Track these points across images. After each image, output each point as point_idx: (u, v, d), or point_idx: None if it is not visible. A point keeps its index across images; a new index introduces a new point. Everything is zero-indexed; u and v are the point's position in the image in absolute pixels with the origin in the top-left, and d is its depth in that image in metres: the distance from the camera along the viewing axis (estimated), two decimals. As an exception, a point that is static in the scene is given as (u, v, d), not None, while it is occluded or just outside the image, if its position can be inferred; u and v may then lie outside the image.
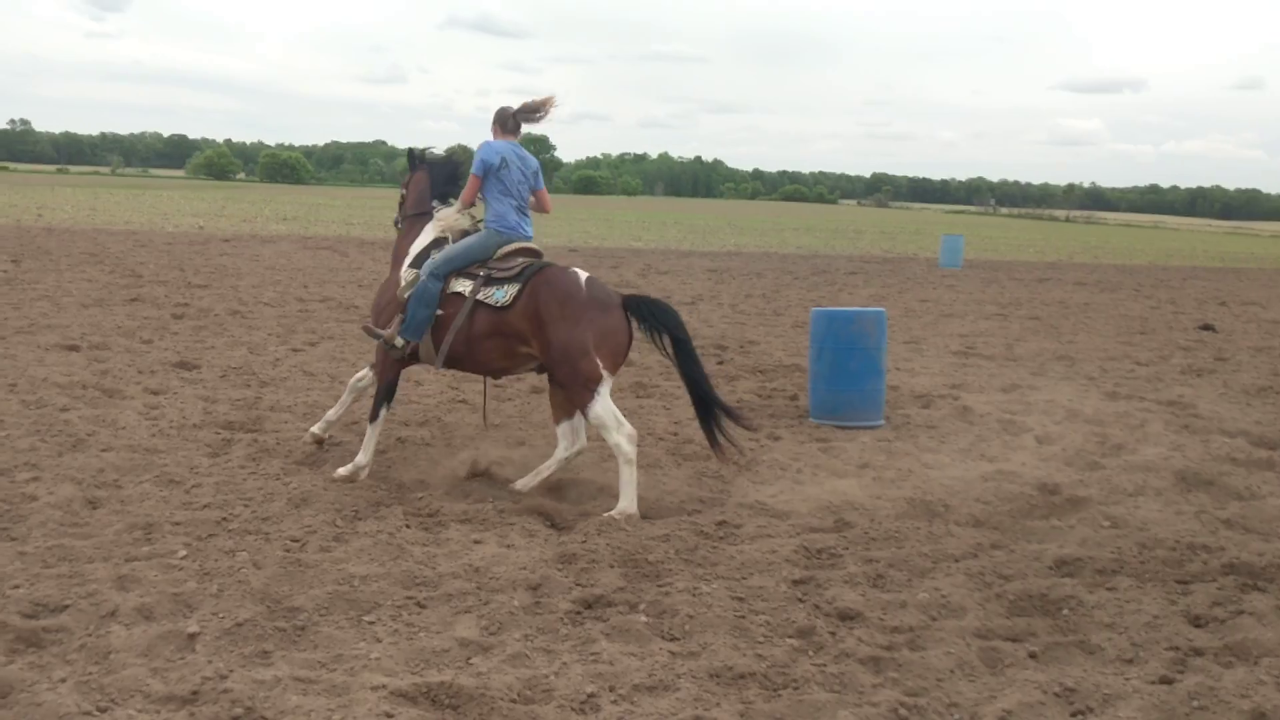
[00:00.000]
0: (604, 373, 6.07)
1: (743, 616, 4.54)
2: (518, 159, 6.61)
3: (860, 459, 7.39)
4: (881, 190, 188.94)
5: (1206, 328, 16.70)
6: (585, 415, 6.15)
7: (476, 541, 5.36)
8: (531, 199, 6.71)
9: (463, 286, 6.30)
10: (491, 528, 5.61)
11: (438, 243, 6.64)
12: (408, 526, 5.56)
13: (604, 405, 6.06)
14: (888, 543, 5.60)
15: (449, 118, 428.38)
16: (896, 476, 6.95)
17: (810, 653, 4.25)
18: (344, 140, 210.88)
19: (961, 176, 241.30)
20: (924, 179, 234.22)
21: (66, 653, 3.98)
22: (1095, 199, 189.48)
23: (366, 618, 4.43)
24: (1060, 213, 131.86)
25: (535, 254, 6.51)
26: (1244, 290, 26.50)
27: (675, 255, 30.00)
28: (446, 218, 6.73)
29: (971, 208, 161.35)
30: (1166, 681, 4.07)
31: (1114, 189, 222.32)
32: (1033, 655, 4.30)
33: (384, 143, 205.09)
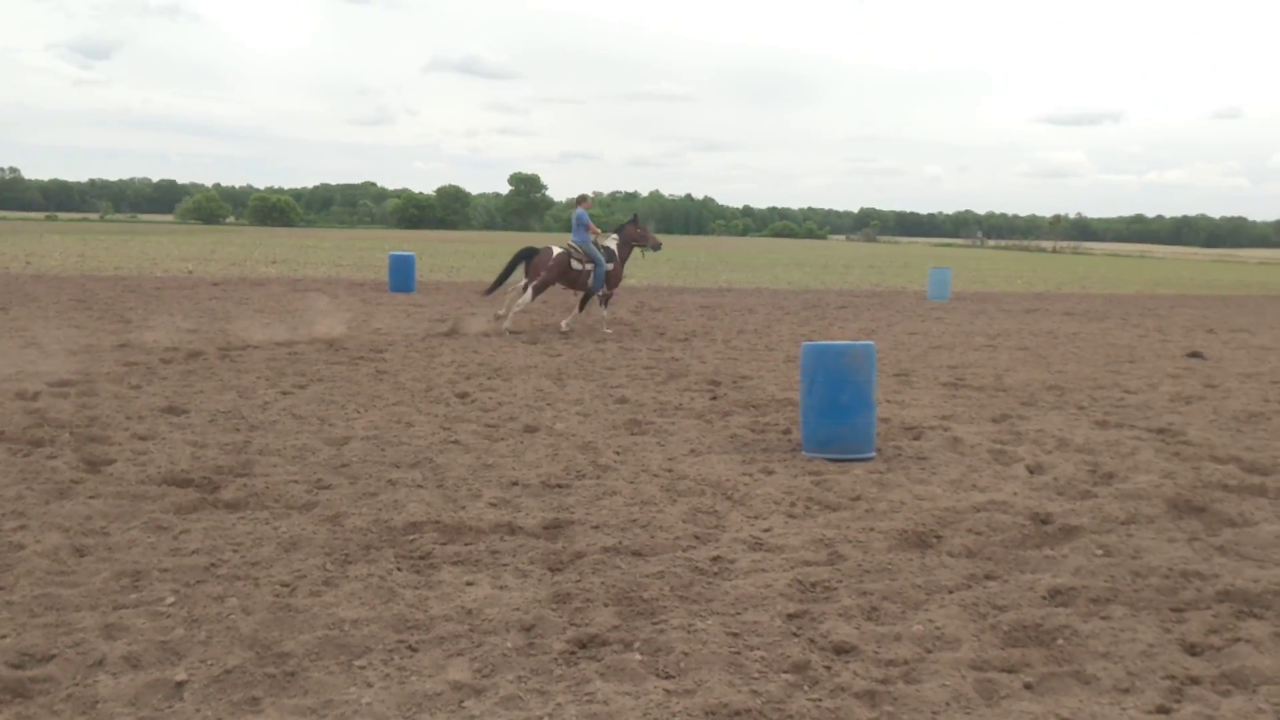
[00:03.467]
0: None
1: (738, 652, 4.51)
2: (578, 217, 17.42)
3: (853, 491, 7.38)
4: (870, 225, 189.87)
5: (1195, 355, 16.77)
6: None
7: (469, 583, 5.33)
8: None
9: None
10: (484, 569, 5.58)
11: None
12: (399, 569, 5.53)
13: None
14: (881, 575, 5.58)
15: (438, 158, 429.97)
16: (889, 508, 6.94)
17: (805, 688, 4.23)
18: (333, 182, 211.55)
19: (948, 210, 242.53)
20: (911, 213, 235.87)
21: (53, 703, 3.94)
22: (1081, 230, 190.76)
23: (357, 662, 4.39)
24: (1047, 244, 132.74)
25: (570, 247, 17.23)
26: (1231, 317, 26.63)
27: (668, 292, 30.05)
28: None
29: (959, 240, 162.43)
30: (1164, 711, 4.05)
31: (1099, 219, 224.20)
32: (1028, 686, 4.28)
33: (373, 184, 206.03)
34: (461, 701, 4.06)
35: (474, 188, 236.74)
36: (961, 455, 8.68)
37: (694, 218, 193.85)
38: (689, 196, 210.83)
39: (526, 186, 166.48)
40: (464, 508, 6.66)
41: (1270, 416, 10.92)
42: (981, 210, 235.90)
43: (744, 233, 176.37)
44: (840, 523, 6.59)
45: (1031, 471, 8.13)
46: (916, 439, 9.35)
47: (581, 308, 17.89)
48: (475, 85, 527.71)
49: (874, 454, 8.60)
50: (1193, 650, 4.71)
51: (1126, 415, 10.81)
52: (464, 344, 15.50)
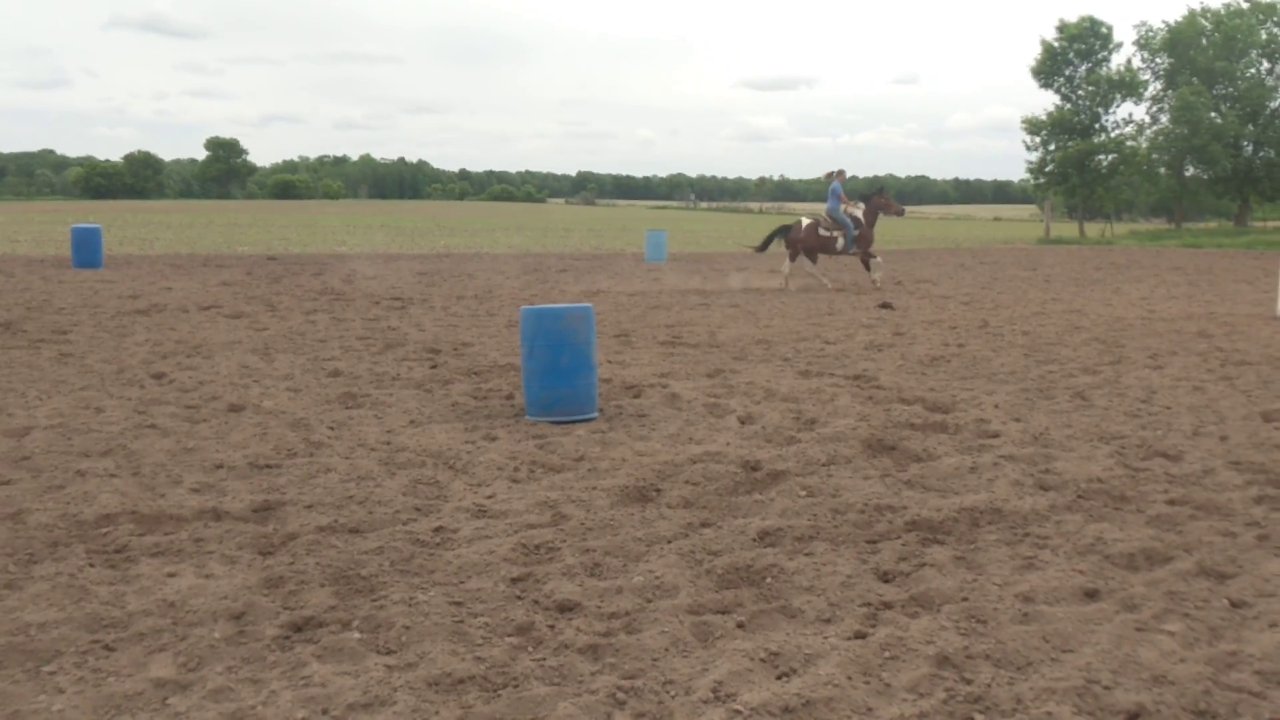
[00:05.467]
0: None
1: (461, 621, 4.47)
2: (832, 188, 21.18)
3: (576, 452, 7.47)
4: (587, 188, 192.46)
5: (885, 306, 18.07)
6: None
7: (171, 575, 5.00)
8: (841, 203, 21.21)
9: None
10: (188, 558, 5.25)
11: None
12: (91, 565, 5.11)
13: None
14: (604, 531, 5.69)
15: (124, 123, 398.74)
16: (611, 466, 7.08)
17: (529, 649, 4.25)
18: (4, 151, 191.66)
19: (662, 173, 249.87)
20: (627, 176, 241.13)
21: None
22: (785, 190, 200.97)
23: (46, 668, 4.03)
24: (754, 205, 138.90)
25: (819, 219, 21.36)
26: (917, 269, 28.87)
27: (383, 259, 29.30)
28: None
29: (674, 203, 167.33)
30: (860, 636, 4.35)
31: (800, 180, 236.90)
32: (740, 625, 4.48)
33: (52, 152, 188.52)
34: (165, 699, 3.81)
35: (167, 154, 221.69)
36: (679, 410, 8.97)
37: (409, 182, 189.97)
38: (402, 160, 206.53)
39: (225, 152, 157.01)
40: (163, 495, 6.24)
41: (950, 359, 11.94)
42: (693, 173, 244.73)
43: (461, 196, 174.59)
44: (564, 484, 6.66)
45: (743, 422, 8.51)
46: (637, 397, 9.58)
47: (868, 268, 21.96)
48: (161, 44, 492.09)
49: (596, 414, 8.75)
50: (885, 578, 5.09)
51: (826, 364, 11.51)
52: (160, 321, 14.51)
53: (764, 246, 22.69)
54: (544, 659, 4.14)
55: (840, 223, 21.05)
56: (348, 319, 15.18)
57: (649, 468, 7.00)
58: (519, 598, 4.76)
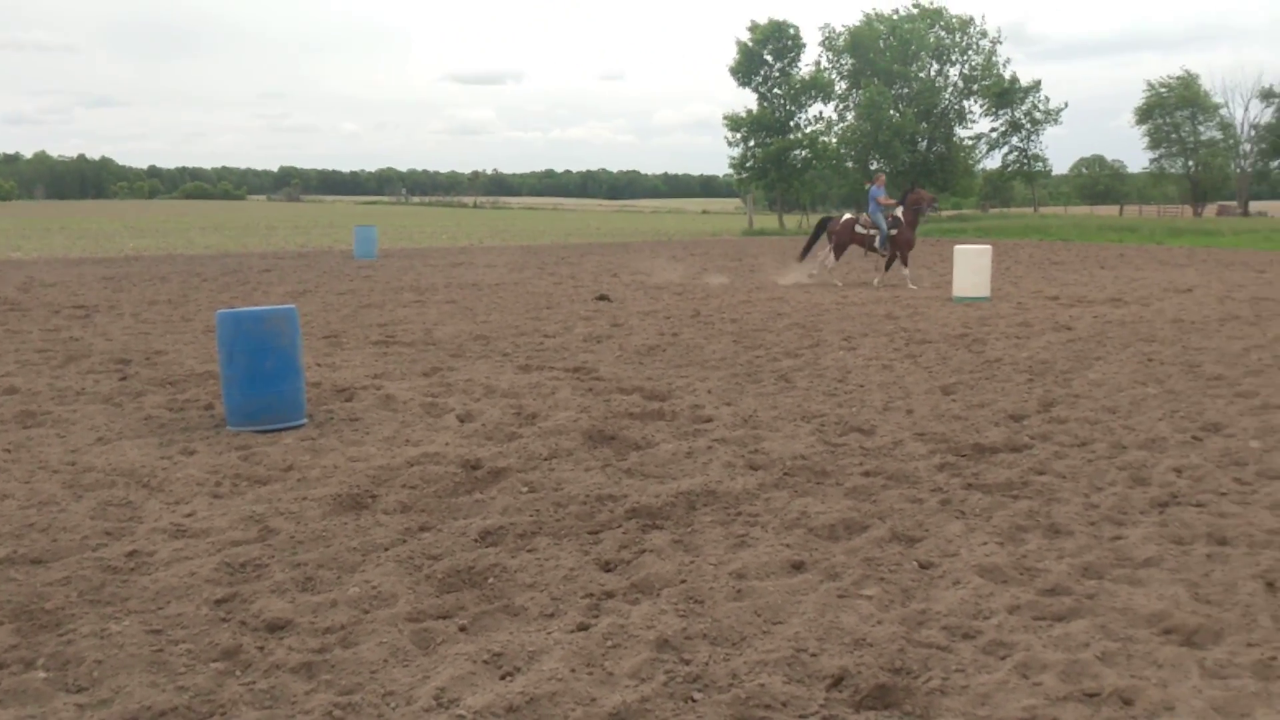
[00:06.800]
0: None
1: (160, 650, 4.15)
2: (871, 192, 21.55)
3: (284, 462, 7.12)
4: (291, 184, 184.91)
5: (603, 298, 18.38)
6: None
7: None
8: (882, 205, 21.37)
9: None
10: None
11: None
12: None
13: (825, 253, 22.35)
14: (316, 544, 5.45)
15: None
16: (322, 474, 6.79)
17: (238, 673, 4.00)
18: None
19: (370, 167, 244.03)
20: (333, 171, 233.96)
21: None
22: (499, 185, 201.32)
23: None
24: (468, 199, 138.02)
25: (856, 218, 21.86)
26: (631, 261, 29.59)
27: (63, 264, 26.96)
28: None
29: (384, 198, 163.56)
30: (583, 628, 4.38)
31: (514, 174, 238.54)
32: (463, 628, 4.41)
33: None
34: None
35: None
36: (395, 412, 8.75)
37: (91, 180, 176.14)
38: (83, 157, 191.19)
39: None
40: None
41: (665, 348, 12.29)
42: (403, 167, 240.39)
43: (151, 195, 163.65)
44: (271, 496, 6.33)
45: (462, 420, 8.40)
46: (349, 400, 9.27)
47: (886, 269, 22.14)
48: None
49: (305, 420, 8.38)
50: (607, 567, 5.15)
51: (546, 358, 11.57)
52: None
53: (808, 248, 23.03)
54: (253, 682, 3.90)
55: (875, 224, 21.43)
56: (24, 330, 13.84)
57: (363, 473, 6.77)
58: (224, 620, 4.48)
